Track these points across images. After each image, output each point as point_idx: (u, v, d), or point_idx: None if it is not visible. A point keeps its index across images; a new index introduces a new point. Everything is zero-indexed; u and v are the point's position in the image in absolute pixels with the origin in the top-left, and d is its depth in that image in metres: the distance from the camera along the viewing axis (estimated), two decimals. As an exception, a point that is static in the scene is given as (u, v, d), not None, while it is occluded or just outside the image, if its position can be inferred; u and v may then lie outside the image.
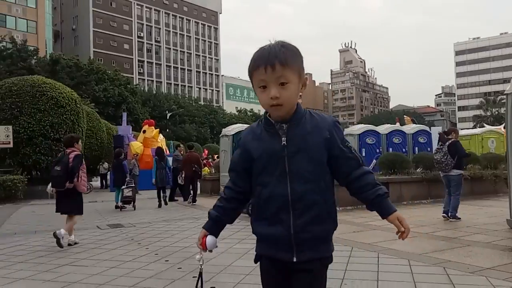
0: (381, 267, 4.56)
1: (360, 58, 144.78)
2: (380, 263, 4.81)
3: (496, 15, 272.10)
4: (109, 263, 4.96)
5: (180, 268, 4.78)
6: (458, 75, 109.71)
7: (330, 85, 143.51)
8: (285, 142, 1.57)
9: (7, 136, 13.78)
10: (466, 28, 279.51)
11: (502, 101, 60.05)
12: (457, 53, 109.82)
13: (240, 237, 6.62)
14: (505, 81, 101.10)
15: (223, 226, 1.77)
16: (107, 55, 66.72)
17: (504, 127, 8.46)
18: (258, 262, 1.72)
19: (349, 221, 7.78)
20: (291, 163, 1.56)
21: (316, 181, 1.57)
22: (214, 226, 1.74)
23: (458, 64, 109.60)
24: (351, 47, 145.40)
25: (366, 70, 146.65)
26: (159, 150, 12.49)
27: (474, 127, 64.45)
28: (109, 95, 40.09)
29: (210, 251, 1.71)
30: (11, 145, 13.94)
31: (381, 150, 16.61)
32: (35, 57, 38.74)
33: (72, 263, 5.03)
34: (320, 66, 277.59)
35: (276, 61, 1.51)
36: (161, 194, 11.79)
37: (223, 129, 15.44)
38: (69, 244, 6.05)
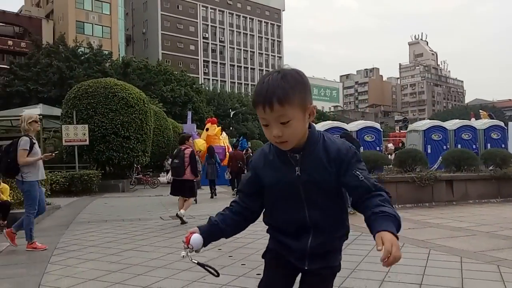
0: (429, 263, 4.49)
1: (432, 51, 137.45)
2: (430, 259, 4.73)
3: None
4: (167, 250, 5.37)
5: (231, 256, 5.04)
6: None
7: (398, 79, 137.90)
8: (298, 172, 1.56)
9: (84, 134, 15.06)
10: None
11: None
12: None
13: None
14: None
15: (219, 235, 1.67)
16: (174, 57, 69.69)
17: None
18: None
19: (407, 219, 7.59)
20: (306, 192, 1.57)
21: (332, 207, 1.63)
22: (208, 230, 1.63)
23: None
24: (421, 39, 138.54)
25: (439, 62, 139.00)
26: (210, 148, 14.45)
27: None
28: (176, 95, 41.92)
29: (197, 251, 1.57)
30: (87, 143, 15.21)
31: (448, 147, 15.80)
32: (109, 61, 41.59)
33: (135, 249, 5.51)
34: (387, 60, 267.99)
35: (274, 99, 1.43)
36: (212, 187, 13.37)
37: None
38: (181, 221, 7.42)
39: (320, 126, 14.75)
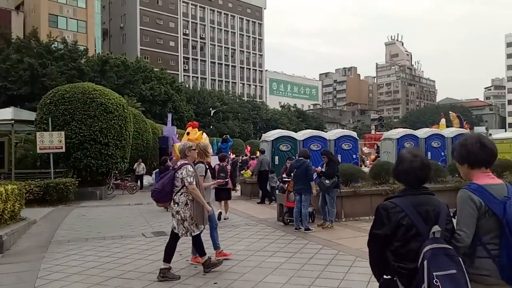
0: None
1: (407, 51, 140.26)
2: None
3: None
4: (153, 276, 5.50)
5: (216, 283, 5.22)
6: (509, 67, 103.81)
7: (375, 78, 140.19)
8: None
9: (60, 141, 14.70)
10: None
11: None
12: (509, 44, 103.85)
13: (273, 249, 7.00)
14: None
15: None
16: (153, 53, 68.87)
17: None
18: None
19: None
20: None
21: None
22: None
23: (509, 56, 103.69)
24: (397, 39, 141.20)
25: (413, 63, 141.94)
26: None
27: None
28: (155, 93, 41.44)
29: None
30: (63, 150, 14.84)
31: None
32: (84, 57, 40.36)
33: (120, 276, 5.61)
34: (365, 59, 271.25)
35: None
36: None
37: (263, 134, 15.90)
38: (225, 219, 10.08)
39: (300, 136, 15.10)
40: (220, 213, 9.89)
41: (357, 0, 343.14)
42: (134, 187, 18.62)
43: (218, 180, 8.06)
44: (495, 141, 17.15)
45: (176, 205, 5.48)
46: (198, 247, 5.73)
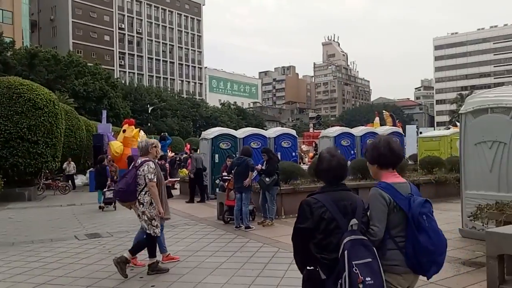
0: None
1: (343, 52, 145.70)
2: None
3: (475, 9, 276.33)
4: (86, 281, 5.25)
5: (154, 286, 5.10)
6: (437, 69, 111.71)
7: (313, 78, 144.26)
8: None
9: (-16, 139, 13.69)
10: (446, 22, 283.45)
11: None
12: (436, 47, 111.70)
13: (213, 249, 6.96)
14: (481, 75, 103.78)
15: None
16: (86, 47, 65.69)
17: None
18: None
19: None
20: None
21: None
22: None
23: (437, 58, 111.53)
24: (334, 40, 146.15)
25: (348, 63, 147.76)
26: (130, 159, 12.99)
27: (450, 121, 66.03)
28: (89, 89, 39.62)
29: None
30: (-13, 148, 13.85)
31: (355, 151, 17.17)
32: (11, 50, 37.77)
33: (49, 282, 5.30)
34: (303, 58, 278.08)
35: None
36: None
37: (203, 132, 15.74)
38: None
39: (240, 133, 15.15)
40: None
41: (294, 0, 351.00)
42: (67, 187, 17.67)
43: (170, 180, 7.41)
44: (425, 139, 18.73)
45: (141, 205, 5.39)
46: (152, 247, 5.60)
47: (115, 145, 18.61)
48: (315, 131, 40.19)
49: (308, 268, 2.50)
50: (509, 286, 4.35)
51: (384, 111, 43.65)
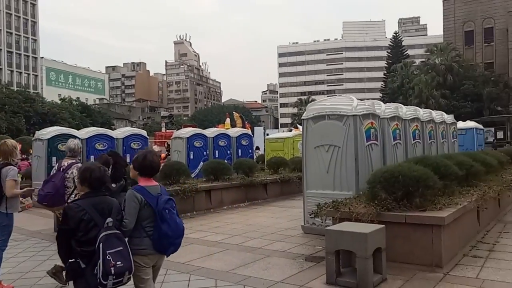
0: (189, 294, 4.83)
1: (195, 52, 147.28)
2: (190, 286, 5.09)
3: (314, 22, 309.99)
4: None
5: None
6: (280, 75, 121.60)
7: (165, 76, 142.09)
8: None
9: None
10: (288, 31, 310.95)
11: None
12: (280, 55, 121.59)
13: (47, 268, 6.06)
14: (317, 83, 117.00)
15: None
16: None
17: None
18: None
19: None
20: None
21: None
22: None
23: (280, 65, 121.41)
24: (185, 39, 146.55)
25: (200, 63, 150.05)
26: None
27: (291, 124, 72.53)
28: None
29: None
30: None
31: (208, 152, 17.32)
32: None
33: None
34: (155, 55, 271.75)
35: None
36: None
37: (37, 132, 13.82)
38: None
39: (84, 134, 13.80)
40: None
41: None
42: None
43: (29, 188, 5.47)
44: (271, 140, 20.01)
45: None
46: None
47: None
48: (167, 130, 39.42)
49: (70, 260, 3.10)
50: (345, 278, 4.81)
51: (234, 112, 45.31)
